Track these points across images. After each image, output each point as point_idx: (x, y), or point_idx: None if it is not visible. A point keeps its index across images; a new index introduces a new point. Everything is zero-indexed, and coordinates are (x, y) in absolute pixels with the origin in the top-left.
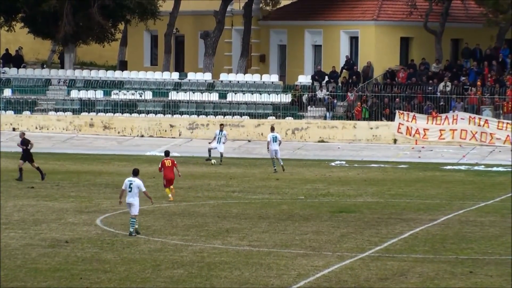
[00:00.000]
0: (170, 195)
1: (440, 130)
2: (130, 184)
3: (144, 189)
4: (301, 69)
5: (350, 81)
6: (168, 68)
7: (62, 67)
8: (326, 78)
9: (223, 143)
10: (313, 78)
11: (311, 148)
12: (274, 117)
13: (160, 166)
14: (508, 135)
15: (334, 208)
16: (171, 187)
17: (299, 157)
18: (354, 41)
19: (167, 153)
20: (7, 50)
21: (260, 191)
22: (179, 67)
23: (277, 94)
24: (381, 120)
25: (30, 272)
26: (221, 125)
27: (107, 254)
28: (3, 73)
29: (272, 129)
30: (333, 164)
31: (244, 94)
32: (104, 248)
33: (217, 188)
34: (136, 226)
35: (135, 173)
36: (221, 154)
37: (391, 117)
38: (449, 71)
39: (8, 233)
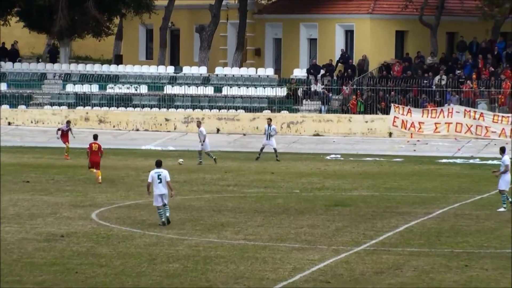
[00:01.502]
0: (99, 177)
1: (435, 123)
2: (159, 175)
3: (169, 179)
4: (297, 63)
5: (345, 74)
6: (164, 62)
7: (52, 61)
8: (322, 72)
9: (272, 136)
10: (308, 71)
11: (306, 141)
12: (269, 111)
13: (87, 147)
14: (503, 128)
15: (330, 201)
16: (98, 171)
17: (294, 150)
18: (349, 34)
19: (95, 137)
20: (3, 44)
21: (255, 185)
22: (175, 61)
23: (272, 87)
24: (376, 113)
25: (26, 266)
26: (269, 119)
27: (103, 248)
28: None
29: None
30: (328, 157)
31: (239, 87)
32: (99, 242)
33: (212, 182)
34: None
35: (160, 164)
36: (275, 150)
37: (386, 111)
38: (445, 65)
39: (4, 228)
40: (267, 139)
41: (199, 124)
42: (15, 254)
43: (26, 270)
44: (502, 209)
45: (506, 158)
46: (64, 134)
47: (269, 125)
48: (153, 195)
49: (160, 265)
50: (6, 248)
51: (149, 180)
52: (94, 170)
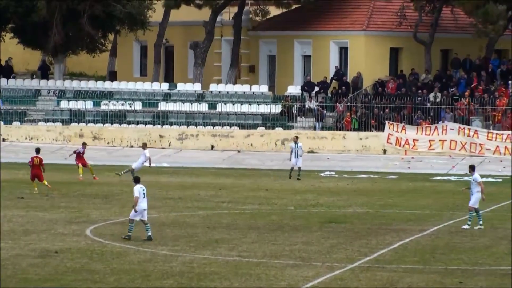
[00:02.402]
0: (36, 189)
1: (430, 140)
2: (144, 190)
3: None
4: (291, 80)
5: (339, 91)
6: (158, 78)
7: (43, 78)
8: (316, 89)
9: (300, 156)
10: (302, 88)
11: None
12: (263, 128)
13: (29, 161)
14: (498, 145)
15: (324, 218)
16: (44, 182)
17: (288, 167)
18: (343, 51)
19: (37, 151)
20: None
21: (249, 202)
22: (169, 78)
23: (266, 104)
24: (370, 130)
25: (20, 283)
26: (296, 137)
27: (97, 265)
28: None
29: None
30: (322, 174)
31: (233, 104)
32: (93, 259)
33: (206, 199)
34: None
35: (139, 180)
36: (299, 169)
37: (380, 128)
38: (439, 82)
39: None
40: (295, 157)
41: (144, 146)
42: (9, 270)
43: (20, 286)
44: (466, 226)
45: (477, 175)
46: (80, 157)
47: (296, 143)
48: (137, 209)
49: (154, 281)
50: (0, 264)
51: (136, 194)
52: (36, 187)
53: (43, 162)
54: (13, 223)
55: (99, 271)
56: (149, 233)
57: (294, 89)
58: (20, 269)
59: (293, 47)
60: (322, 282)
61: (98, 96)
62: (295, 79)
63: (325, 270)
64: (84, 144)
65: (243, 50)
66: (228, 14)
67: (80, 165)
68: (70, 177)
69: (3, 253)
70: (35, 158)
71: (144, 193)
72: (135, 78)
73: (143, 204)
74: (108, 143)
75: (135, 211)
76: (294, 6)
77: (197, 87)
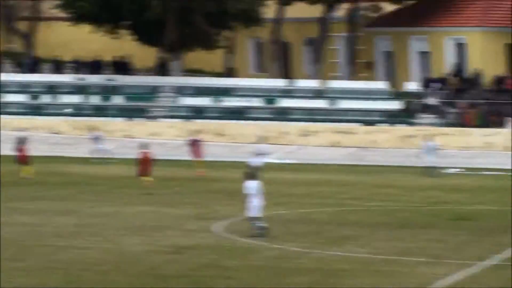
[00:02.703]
0: (149, 178)
1: None
2: (259, 187)
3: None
4: (409, 76)
5: (459, 88)
6: (276, 75)
7: (163, 74)
8: (436, 85)
9: (434, 154)
10: (422, 84)
11: (423, 155)
12: (384, 124)
13: (139, 156)
14: None
15: (452, 215)
16: (147, 178)
17: (412, 164)
18: (460, 47)
19: (145, 146)
20: (116, 57)
21: (375, 198)
22: (286, 74)
23: (386, 101)
24: (493, 127)
25: (156, 279)
26: (430, 136)
27: (227, 261)
28: (113, 80)
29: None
30: (447, 171)
31: (353, 101)
32: (224, 255)
33: (331, 195)
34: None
35: (255, 176)
36: (432, 166)
37: (503, 124)
38: None
39: (130, 239)
40: (430, 155)
41: (261, 142)
42: (143, 266)
43: (157, 282)
44: None
45: None
46: (195, 149)
47: (430, 141)
48: (254, 206)
49: (288, 278)
50: (134, 260)
51: (250, 191)
52: (148, 180)
53: (154, 158)
54: (144, 219)
55: (230, 267)
56: (265, 224)
57: (412, 86)
58: (154, 264)
59: (409, 43)
60: (455, 280)
61: (217, 93)
62: (413, 75)
63: (457, 268)
64: (194, 135)
65: (359, 46)
66: (342, 10)
67: (197, 159)
68: (194, 173)
69: (134, 249)
70: (143, 153)
71: (259, 190)
72: (251, 75)
73: (258, 200)
74: (230, 139)
75: (251, 208)
76: (407, 2)
77: (315, 83)
